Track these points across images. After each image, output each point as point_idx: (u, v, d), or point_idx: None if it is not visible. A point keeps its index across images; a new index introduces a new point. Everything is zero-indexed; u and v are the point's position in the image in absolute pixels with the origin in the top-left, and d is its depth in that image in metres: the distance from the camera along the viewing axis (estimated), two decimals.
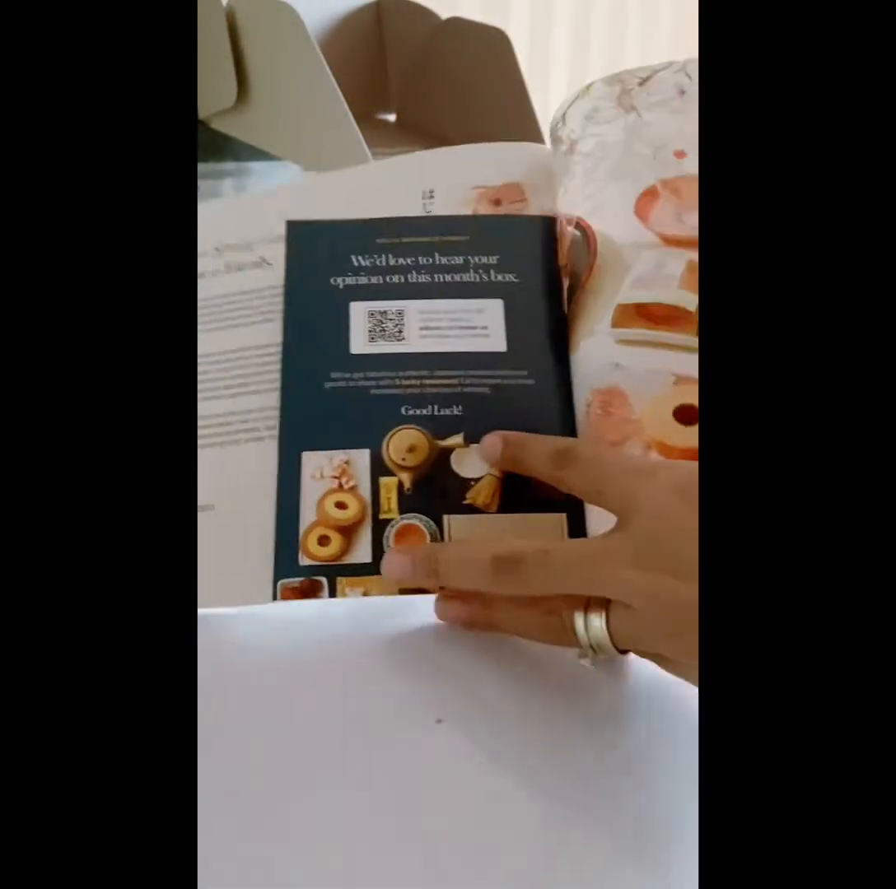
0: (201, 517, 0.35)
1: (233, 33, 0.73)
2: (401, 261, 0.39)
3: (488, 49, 0.80)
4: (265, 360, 0.38)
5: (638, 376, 0.37)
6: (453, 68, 0.84)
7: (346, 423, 0.36)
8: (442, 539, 0.35)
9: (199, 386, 0.37)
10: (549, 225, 0.40)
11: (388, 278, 0.39)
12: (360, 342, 0.38)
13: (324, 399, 0.36)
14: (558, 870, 0.27)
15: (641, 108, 0.39)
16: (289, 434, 0.36)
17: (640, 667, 0.33)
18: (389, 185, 0.41)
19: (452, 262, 0.39)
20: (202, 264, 0.41)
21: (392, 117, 0.95)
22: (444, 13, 0.86)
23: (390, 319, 0.38)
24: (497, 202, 0.40)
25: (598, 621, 0.31)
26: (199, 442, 0.36)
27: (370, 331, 0.38)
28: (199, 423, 0.36)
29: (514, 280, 0.39)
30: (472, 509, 0.35)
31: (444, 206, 0.40)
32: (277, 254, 0.40)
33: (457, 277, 0.39)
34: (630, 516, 0.30)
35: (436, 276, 0.39)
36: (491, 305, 0.38)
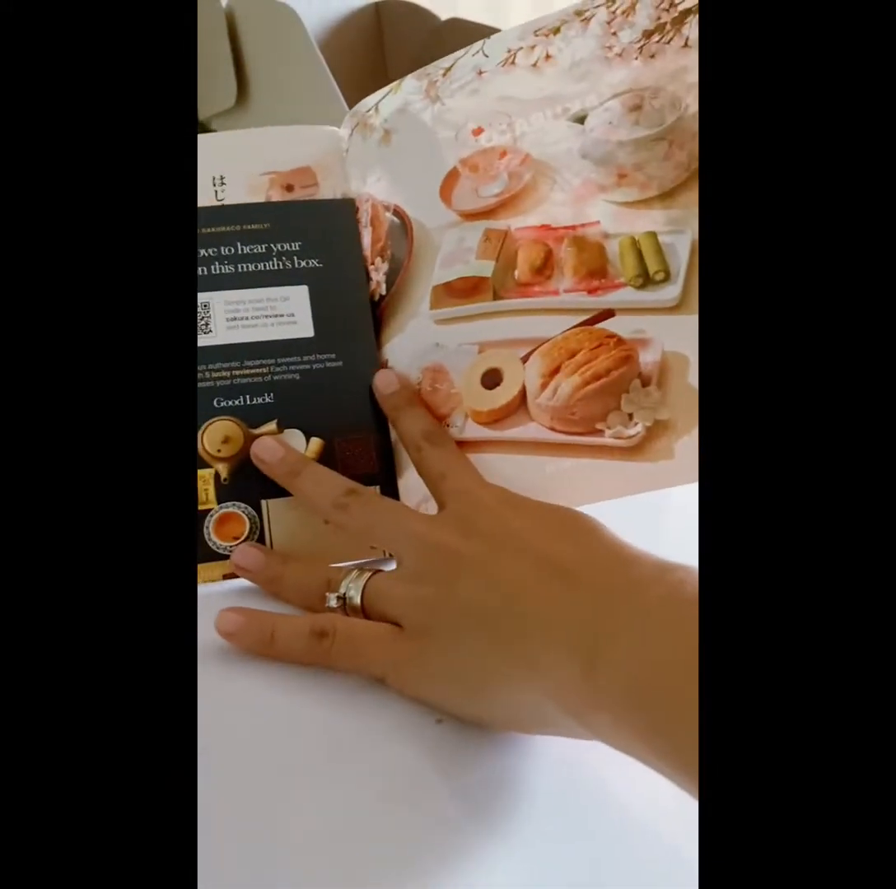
0: None
1: (232, 34, 0.71)
2: (203, 252, 0.39)
3: None
4: None
5: (452, 352, 0.38)
6: None
7: None
8: (261, 524, 0.36)
9: None
10: (348, 208, 0.41)
11: None
12: None
13: None
14: (554, 868, 0.27)
15: (444, 96, 0.40)
16: None
17: None
18: None
19: (255, 251, 0.39)
20: None
21: None
22: (444, 14, 0.84)
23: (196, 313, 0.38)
24: (289, 188, 0.41)
25: (365, 575, 0.32)
26: None
27: None
28: None
29: (318, 265, 0.39)
30: (289, 492, 0.36)
31: (235, 193, 0.40)
32: None
33: (260, 266, 0.39)
34: (453, 499, 0.33)
35: (239, 265, 0.39)
36: (296, 292, 0.39)
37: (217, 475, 0.37)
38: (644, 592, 0.27)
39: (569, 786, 0.30)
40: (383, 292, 0.40)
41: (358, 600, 0.32)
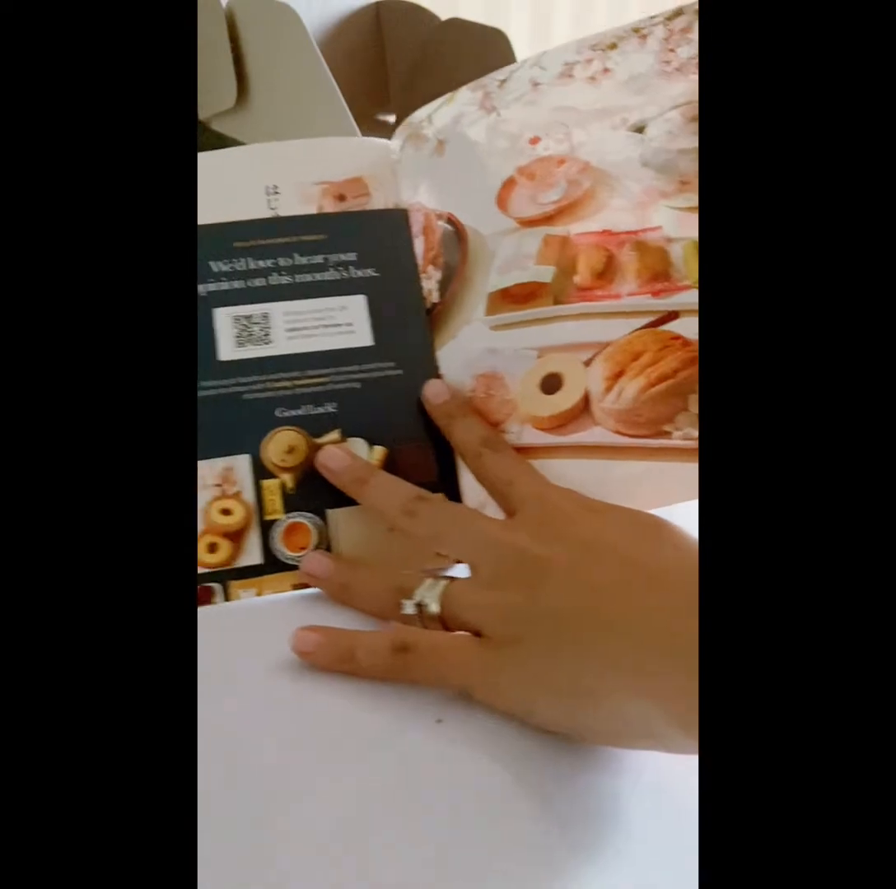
0: None
1: (233, 34, 0.72)
2: (260, 263, 0.39)
3: (488, 50, 0.79)
4: None
5: (509, 358, 0.38)
6: (453, 69, 0.82)
7: (223, 431, 0.37)
8: (327, 533, 0.36)
9: None
10: (401, 217, 0.41)
11: (249, 282, 0.39)
12: (227, 348, 0.38)
13: (198, 408, 0.37)
14: (555, 870, 0.27)
15: (500, 107, 0.40)
16: None
17: None
18: (231, 178, 0.41)
19: (312, 262, 0.39)
20: None
21: (392, 118, 0.93)
22: (444, 14, 0.85)
23: (256, 323, 0.38)
24: (341, 198, 0.41)
25: (441, 582, 0.32)
26: None
27: (237, 336, 0.38)
28: None
29: (374, 274, 0.40)
30: (354, 501, 0.36)
31: (288, 202, 0.40)
32: None
33: (317, 276, 0.39)
34: (525, 504, 0.33)
35: (296, 276, 0.39)
36: (354, 301, 0.39)
37: (283, 485, 0.36)
38: None
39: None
40: (435, 300, 0.40)
41: (436, 608, 0.31)
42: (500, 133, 0.40)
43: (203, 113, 0.75)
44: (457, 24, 0.84)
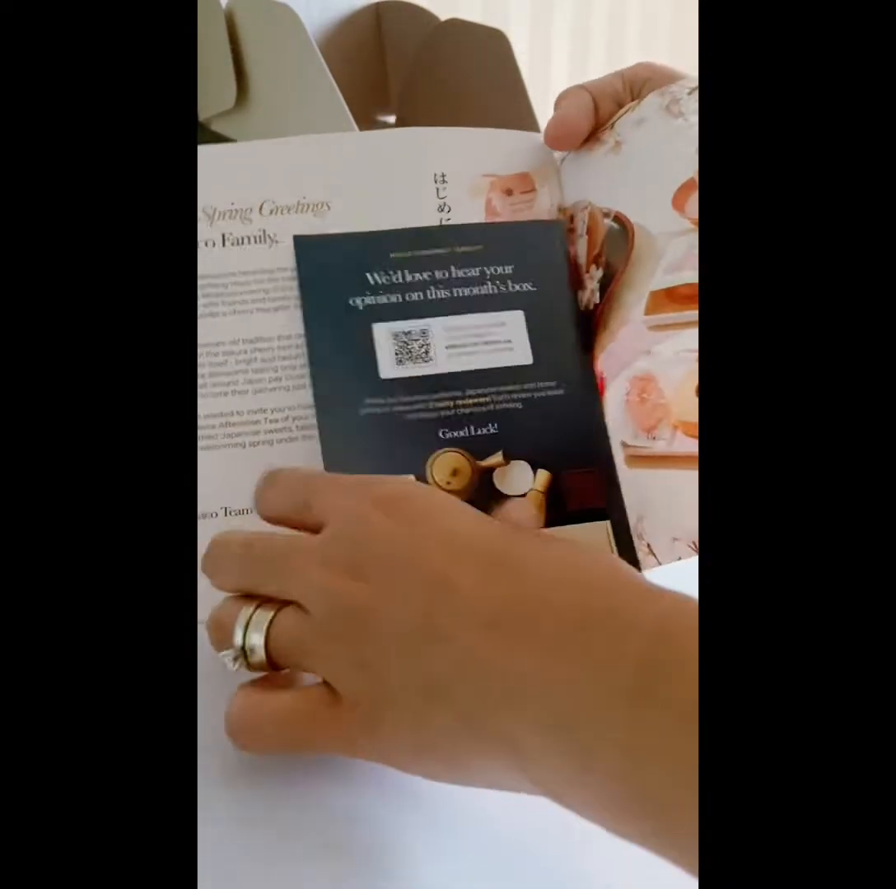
0: (238, 522, 0.35)
1: (232, 35, 0.72)
2: (418, 276, 0.37)
3: (488, 50, 0.79)
4: (287, 353, 0.36)
5: (666, 360, 0.36)
6: (453, 70, 0.83)
7: (388, 451, 0.36)
8: None
9: (214, 379, 0.36)
10: (558, 230, 0.39)
11: (407, 296, 0.37)
12: (388, 365, 0.36)
13: (362, 427, 0.36)
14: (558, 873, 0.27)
15: (689, 113, 0.38)
16: (333, 464, 0.35)
17: None
18: (399, 162, 0.39)
19: (469, 275, 0.37)
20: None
21: (392, 119, 0.93)
22: (444, 14, 0.85)
23: (415, 340, 0.37)
24: (508, 192, 0.39)
25: (264, 617, 0.28)
26: (220, 442, 0.36)
27: (396, 353, 0.36)
28: (218, 420, 0.36)
29: (532, 289, 0.38)
30: None
31: (456, 193, 0.39)
32: (279, 228, 0.38)
33: (475, 290, 0.37)
34: (329, 519, 0.29)
35: (454, 290, 0.37)
36: (512, 317, 0.37)
37: None
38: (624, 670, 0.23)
39: None
40: (597, 301, 0.38)
41: (262, 653, 0.28)
42: (685, 137, 0.38)
43: (203, 113, 0.73)
44: (456, 25, 0.83)
